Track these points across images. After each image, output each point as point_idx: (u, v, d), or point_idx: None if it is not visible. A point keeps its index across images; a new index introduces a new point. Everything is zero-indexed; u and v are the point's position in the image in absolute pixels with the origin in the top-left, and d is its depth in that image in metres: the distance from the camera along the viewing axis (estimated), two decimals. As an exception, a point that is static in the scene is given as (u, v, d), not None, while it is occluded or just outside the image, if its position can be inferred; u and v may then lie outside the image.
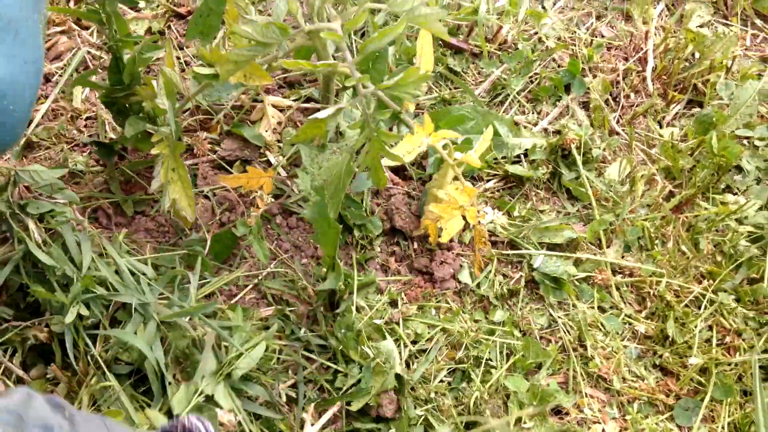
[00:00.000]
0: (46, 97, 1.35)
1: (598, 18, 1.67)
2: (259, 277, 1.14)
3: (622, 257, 1.27)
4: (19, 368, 0.99)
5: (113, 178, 1.22)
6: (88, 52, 1.43)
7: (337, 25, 0.88)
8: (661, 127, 1.48)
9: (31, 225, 0.99)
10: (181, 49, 1.49)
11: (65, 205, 1.05)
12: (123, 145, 1.22)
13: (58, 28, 1.49)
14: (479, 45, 1.50)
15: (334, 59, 1.00)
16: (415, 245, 1.23)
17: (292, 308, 1.11)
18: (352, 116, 1.24)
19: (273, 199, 1.23)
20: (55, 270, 0.96)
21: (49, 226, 1.03)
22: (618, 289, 1.24)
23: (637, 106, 1.51)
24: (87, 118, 1.35)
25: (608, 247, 1.28)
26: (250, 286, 1.14)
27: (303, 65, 0.87)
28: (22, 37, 0.72)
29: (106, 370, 0.96)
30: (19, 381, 0.99)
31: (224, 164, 1.27)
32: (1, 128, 0.74)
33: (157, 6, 1.55)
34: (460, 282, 1.20)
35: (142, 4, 1.56)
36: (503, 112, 1.45)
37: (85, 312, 0.94)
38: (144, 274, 1.02)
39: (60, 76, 1.39)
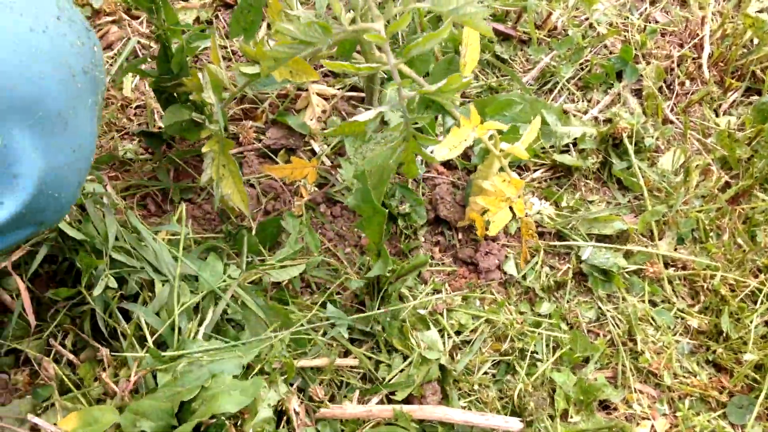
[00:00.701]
0: (97, 87, 1.38)
1: (651, 3, 1.62)
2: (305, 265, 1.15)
3: (675, 250, 1.24)
4: (69, 352, 1.02)
5: (161, 167, 1.25)
6: (138, 42, 1.46)
7: (380, 25, 0.88)
8: (717, 115, 1.44)
9: None
10: (227, 38, 1.51)
11: (93, 182, 1.09)
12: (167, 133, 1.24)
13: (109, 18, 1.52)
14: (528, 31, 1.48)
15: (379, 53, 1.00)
16: (460, 235, 1.23)
17: (338, 294, 1.12)
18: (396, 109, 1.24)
19: (317, 189, 1.24)
20: (86, 244, 0.99)
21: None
22: (670, 282, 1.21)
23: (692, 93, 1.47)
24: (137, 107, 1.38)
25: (660, 239, 1.25)
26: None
27: (345, 67, 0.87)
28: (71, 126, 0.70)
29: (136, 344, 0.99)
30: (70, 364, 1.02)
31: (269, 153, 1.28)
32: (45, 213, 0.74)
33: (205, -4, 1.57)
34: (505, 273, 1.19)
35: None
36: (552, 100, 1.43)
37: (113, 284, 0.97)
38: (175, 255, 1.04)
39: (111, 65, 1.43)
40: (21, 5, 0.63)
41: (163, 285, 1.04)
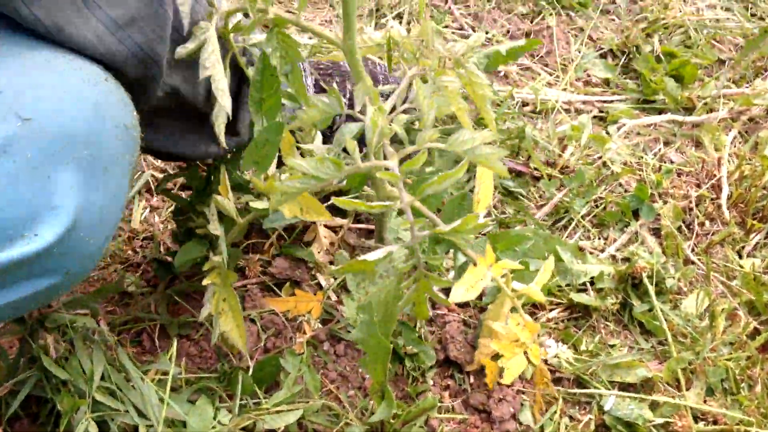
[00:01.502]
0: (105, 216, 1.38)
1: (666, 144, 1.64)
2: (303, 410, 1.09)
3: (704, 401, 1.17)
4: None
5: (162, 300, 1.22)
6: (152, 176, 1.48)
7: (394, 163, 0.88)
8: (740, 257, 1.40)
9: (49, 339, 0.99)
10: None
11: (86, 316, 1.05)
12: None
13: (124, 150, 1.55)
14: (539, 169, 1.49)
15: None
16: (472, 379, 1.16)
17: (336, 446, 1.04)
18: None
19: (321, 325, 1.19)
20: (69, 383, 0.94)
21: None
22: (701, 438, 1.12)
23: (713, 234, 1.44)
24: (143, 239, 1.37)
25: (688, 389, 1.17)
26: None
27: (357, 205, 0.86)
28: (110, 173, 0.75)
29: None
30: None
31: (273, 286, 1.26)
32: (73, 258, 0.74)
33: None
34: (521, 423, 1.11)
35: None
36: (566, 237, 1.40)
37: (94, 429, 0.92)
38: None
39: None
40: (79, 63, 0.75)
41: (147, 430, 0.98)
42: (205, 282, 1.03)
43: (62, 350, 1.03)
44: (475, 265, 1.00)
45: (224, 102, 0.88)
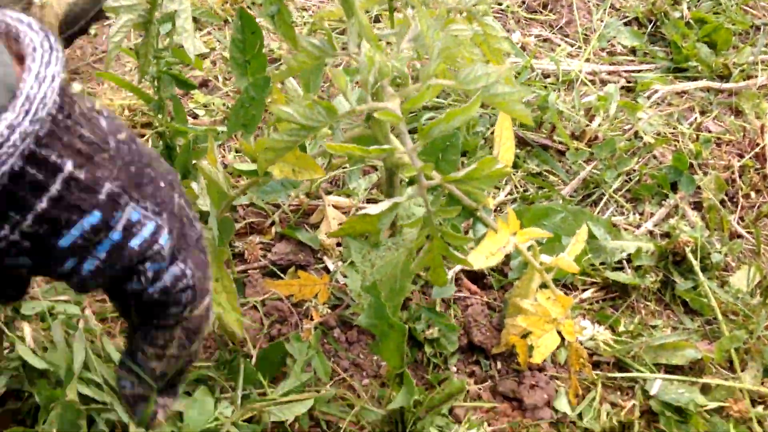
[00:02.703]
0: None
1: (702, 113, 1.56)
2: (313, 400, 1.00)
3: (762, 383, 1.07)
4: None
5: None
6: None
7: (395, 104, 0.80)
8: (792, 228, 1.31)
9: (26, 328, 0.92)
10: (239, 152, 1.46)
11: (67, 303, 0.98)
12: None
13: (114, 135, 1.49)
14: (564, 141, 1.41)
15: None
16: (499, 364, 1.08)
17: (350, 436, 0.96)
18: (410, 212, 1.14)
19: (330, 310, 1.11)
20: (50, 375, 0.86)
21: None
22: (760, 423, 1.03)
23: (759, 206, 1.35)
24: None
25: (743, 370, 1.08)
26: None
27: (351, 149, 0.78)
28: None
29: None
30: None
31: (277, 271, 1.18)
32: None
33: (216, 113, 1.55)
34: (557, 411, 1.02)
35: (200, 112, 1.56)
36: (598, 213, 1.32)
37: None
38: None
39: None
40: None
41: (138, 426, 0.89)
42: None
43: (41, 339, 0.96)
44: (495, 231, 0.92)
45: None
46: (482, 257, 0.92)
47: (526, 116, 0.84)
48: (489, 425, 1.00)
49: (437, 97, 1.43)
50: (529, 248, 0.97)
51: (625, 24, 1.76)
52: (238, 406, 0.95)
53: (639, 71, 1.65)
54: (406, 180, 1.14)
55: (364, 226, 0.79)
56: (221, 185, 0.97)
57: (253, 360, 1.02)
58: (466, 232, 1.18)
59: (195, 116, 1.53)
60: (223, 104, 1.55)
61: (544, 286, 1.01)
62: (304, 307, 1.12)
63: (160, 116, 1.04)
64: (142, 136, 1.50)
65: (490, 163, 0.76)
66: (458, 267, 1.19)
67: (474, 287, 1.18)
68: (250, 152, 0.92)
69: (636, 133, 1.46)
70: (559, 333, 0.96)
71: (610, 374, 1.07)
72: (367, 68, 0.76)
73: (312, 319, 1.10)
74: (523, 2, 1.81)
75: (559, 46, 1.69)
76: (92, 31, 1.72)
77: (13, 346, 0.93)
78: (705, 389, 1.05)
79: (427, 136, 0.76)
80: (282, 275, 1.18)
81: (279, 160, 0.85)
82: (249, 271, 1.19)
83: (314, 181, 1.27)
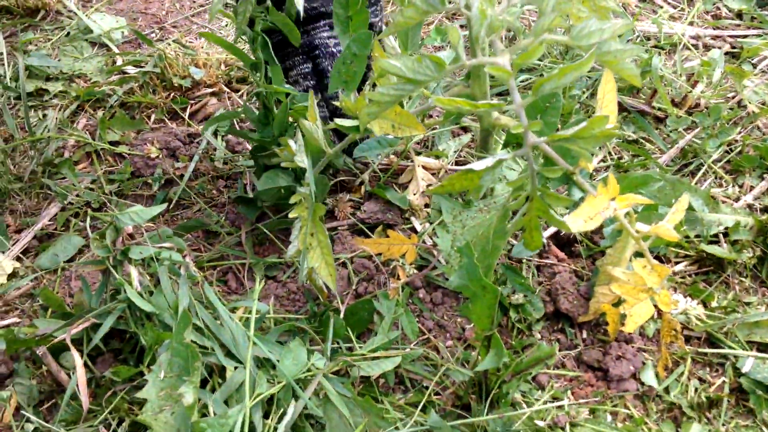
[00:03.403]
0: (191, 158, 1.37)
1: (813, 81, 1.47)
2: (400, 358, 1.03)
3: None
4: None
5: (248, 239, 1.19)
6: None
7: (506, 59, 0.79)
8: None
9: (133, 272, 0.96)
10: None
11: (171, 250, 1.02)
12: (262, 200, 1.19)
13: (209, 90, 1.54)
14: (664, 108, 1.36)
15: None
16: (584, 334, 1.07)
17: (437, 395, 0.98)
18: (502, 174, 1.13)
19: (416, 270, 1.13)
20: (155, 317, 0.91)
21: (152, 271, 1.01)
22: None
23: None
24: (227, 178, 1.35)
25: (843, 353, 1.04)
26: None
27: (460, 103, 0.78)
28: None
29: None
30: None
31: (365, 229, 1.20)
32: None
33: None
34: (642, 383, 1.01)
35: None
36: (695, 183, 1.28)
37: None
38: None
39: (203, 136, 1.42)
40: None
41: (235, 370, 0.94)
42: (291, 215, 0.98)
43: (147, 283, 1.01)
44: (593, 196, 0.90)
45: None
46: (580, 221, 0.90)
47: (636, 76, 0.81)
48: (572, 393, 1.00)
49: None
50: (625, 215, 0.95)
51: (734, -15, 1.67)
52: (327, 358, 0.98)
53: (745, 36, 1.57)
54: (501, 141, 1.14)
55: (465, 183, 0.79)
56: (320, 142, 0.99)
57: (341, 315, 1.05)
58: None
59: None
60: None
61: (638, 255, 0.99)
62: (391, 266, 1.15)
63: (257, 75, 1.06)
64: (237, 91, 1.54)
65: (600, 122, 0.74)
66: (546, 233, 1.19)
67: (561, 254, 1.17)
68: (350, 108, 0.93)
69: (739, 102, 1.40)
70: (653, 304, 0.94)
71: (700, 349, 1.05)
72: (479, 22, 0.75)
73: (398, 279, 1.12)
74: (625, -40, 1.74)
75: (662, 7, 1.63)
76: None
77: (120, 288, 0.99)
78: (801, 371, 1.02)
79: (538, 91, 0.75)
80: (370, 234, 1.20)
81: (380, 116, 0.86)
82: (338, 229, 1.22)
83: (408, 140, 1.27)
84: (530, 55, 0.71)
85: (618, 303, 1.01)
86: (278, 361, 0.94)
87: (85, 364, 0.98)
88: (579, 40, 0.75)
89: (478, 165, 0.73)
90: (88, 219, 1.24)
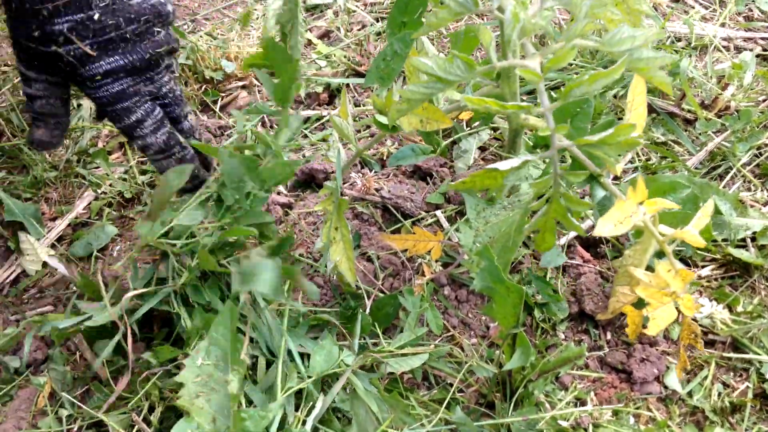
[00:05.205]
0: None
1: None
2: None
3: None
4: (150, 429, 0.95)
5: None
6: (266, 108, 1.46)
7: (536, 62, 0.80)
8: None
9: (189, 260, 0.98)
10: (357, 106, 1.49)
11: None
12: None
13: (240, 83, 1.55)
14: (693, 110, 1.35)
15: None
16: (608, 335, 1.08)
17: (461, 392, 0.99)
18: (528, 173, 1.13)
19: (441, 267, 1.14)
20: (204, 306, 0.93)
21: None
22: None
23: None
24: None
25: None
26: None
27: (489, 104, 0.79)
28: None
29: None
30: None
31: (391, 207, 1.21)
32: None
33: (338, 65, 1.58)
34: (666, 387, 1.01)
35: (322, 63, 1.59)
36: (723, 187, 1.27)
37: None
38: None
39: (234, 128, 1.43)
40: None
41: (267, 361, 0.96)
42: (316, 208, 0.99)
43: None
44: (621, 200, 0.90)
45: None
46: (610, 225, 0.90)
47: (667, 84, 0.81)
48: (595, 395, 1.01)
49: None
50: (651, 218, 0.95)
51: (768, -14, 1.65)
52: (355, 354, 0.99)
53: (779, 38, 1.55)
54: (532, 145, 1.14)
55: (488, 182, 0.80)
56: (351, 138, 1.00)
57: (367, 310, 1.06)
58: (582, 198, 1.17)
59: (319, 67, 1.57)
60: (344, 56, 1.58)
61: (659, 255, 0.99)
62: (417, 263, 1.15)
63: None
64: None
65: (626, 130, 0.75)
66: (572, 234, 1.19)
67: (587, 255, 1.17)
68: (380, 106, 0.94)
69: (771, 105, 1.38)
70: (677, 307, 0.94)
71: (725, 354, 1.05)
72: (512, 25, 0.76)
73: (424, 275, 1.12)
74: (657, -41, 1.72)
75: (693, 8, 1.61)
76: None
77: (166, 277, 1.00)
78: (826, 379, 1.02)
79: (567, 96, 0.75)
80: (395, 212, 1.20)
81: (409, 113, 0.86)
82: (363, 228, 1.22)
83: (439, 143, 1.28)
84: (561, 60, 0.71)
85: (638, 304, 1.01)
86: (309, 356, 0.95)
87: (118, 350, 1.00)
88: (611, 46, 0.75)
89: (503, 165, 0.74)
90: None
